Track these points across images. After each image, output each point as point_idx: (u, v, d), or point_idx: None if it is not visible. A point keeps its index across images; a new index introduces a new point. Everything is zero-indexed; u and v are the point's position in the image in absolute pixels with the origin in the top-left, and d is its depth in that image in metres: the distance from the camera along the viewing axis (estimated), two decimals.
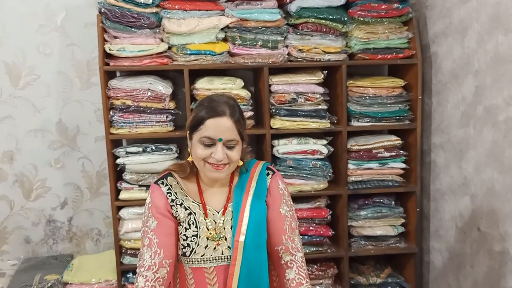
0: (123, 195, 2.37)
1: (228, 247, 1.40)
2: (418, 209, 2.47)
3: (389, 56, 2.38)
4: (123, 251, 2.42)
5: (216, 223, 1.42)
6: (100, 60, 2.27)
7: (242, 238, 1.38)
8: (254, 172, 1.47)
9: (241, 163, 1.44)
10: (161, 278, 1.35)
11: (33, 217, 2.70)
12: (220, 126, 1.33)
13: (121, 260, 2.41)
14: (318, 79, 2.37)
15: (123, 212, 2.37)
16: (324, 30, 2.33)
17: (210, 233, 1.41)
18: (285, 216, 1.44)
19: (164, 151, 2.38)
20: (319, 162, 2.42)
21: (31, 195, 2.68)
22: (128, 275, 2.43)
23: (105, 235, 2.78)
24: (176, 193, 1.43)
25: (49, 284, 2.37)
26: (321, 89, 2.38)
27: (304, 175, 2.41)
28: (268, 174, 1.48)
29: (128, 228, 2.36)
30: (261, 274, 1.42)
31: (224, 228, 1.42)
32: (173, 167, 1.49)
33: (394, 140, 2.45)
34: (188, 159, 1.44)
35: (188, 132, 1.41)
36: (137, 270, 1.38)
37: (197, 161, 1.38)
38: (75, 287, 2.41)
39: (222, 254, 1.41)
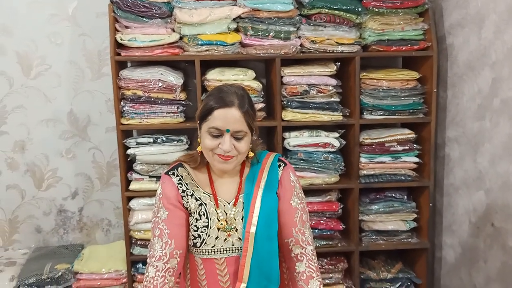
0: (133, 186, 2.36)
1: (239, 238, 1.40)
2: (430, 204, 2.43)
3: (404, 48, 2.34)
4: (133, 241, 2.43)
5: (227, 214, 1.41)
6: (111, 50, 2.26)
7: (253, 229, 1.37)
8: (266, 163, 1.46)
9: (252, 154, 1.43)
10: (171, 269, 1.35)
11: (44, 207, 2.71)
12: (228, 117, 1.32)
13: (131, 250, 2.41)
14: (331, 71, 2.34)
15: (133, 203, 2.37)
16: (338, 21, 2.29)
17: (221, 224, 1.40)
18: (295, 208, 1.43)
19: (175, 142, 2.37)
20: (330, 155, 2.39)
21: (42, 185, 2.69)
22: (138, 266, 2.44)
23: (115, 226, 2.79)
24: (187, 183, 1.43)
25: (60, 273, 2.39)
26: (333, 81, 2.35)
27: (315, 168, 2.39)
28: (279, 166, 1.46)
29: (138, 218, 2.36)
30: (272, 265, 1.41)
31: (235, 219, 1.41)
32: (183, 157, 1.49)
33: (408, 133, 2.41)
34: (197, 149, 1.43)
35: (198, 122, 1.40)
36: (148, 260, 1.37)
37: (205, 152, 1.38)
38: (85, 276, 2.42)
39: (233, 245, 1.40)
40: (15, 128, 2.62)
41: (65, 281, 2.40)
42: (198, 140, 1.41)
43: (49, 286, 2.37)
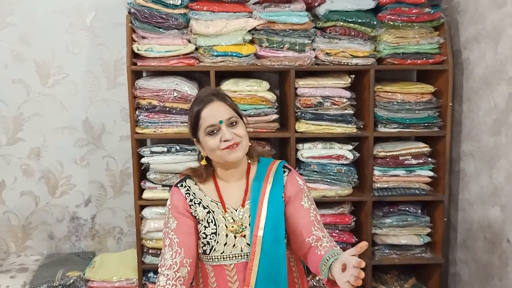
0: (146, 195, 2.38)
1: (247, 244, 1.41)
2: (445, 219, 2.40)
3: (419, 62, 2.34)
4: (145, 250, 2.43)
5: (234, 220, 1.43)
6: (128, 60, 2.29)
7: (260, 233, 1.39)
8: (271, 169, 1.49)
9: (250, 143, 1.46)
10: (182, 278, 1.36)
11: (57, 214, 2.73)
12: (214, 111, 1.39)
13: (143, 259, 2.42)
14: (345, 83, 2.34)
15: (146, 212, 2.38)
16: (353, 33, 2.30)
17: (232, 227, 1.42)
18: (308, 209, 1.45)
19: (188, 151, 2.38)
20: (344, 168, 2.39)
21: (56, 192, 2.72)
22: (149, 275, 2.44)
23: (126, 234, 2.80)
24: (194, 193, 1.46)
25: (71, 281, 2.40)
26: (348, 93, 2.35)
27: (329, 180, 2.38)
28: (284, 171, 1.50)
29: (150, 227, 2.37)
30: (280, 268, 1.42)
31: (243, 224, 1.43)
32: (188, 171, 1.52)
33: (422, 147, 2.40)
34: (202, 162, 1.47)
35: (194, 138, 1.46)
36: (159, 270, 1.40)
37: (213, 154, 1.41)
38: (96, 284, 2.43)
39: (242, 251, 1.41)
40: (31, 135, 2.66)
41: None
42: (202, 154, 1.45)
43: None
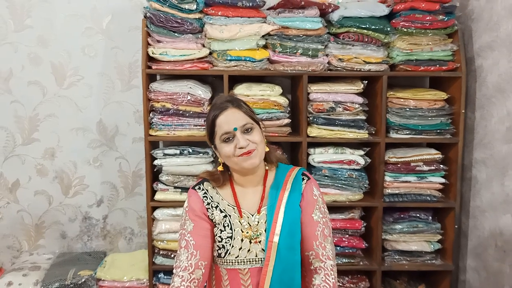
0: (158, 196, 2.40)
1: (262, 249, 1.42)
2: (456, 226, 2.40)
3: (432, 68, 2.34)
4: (156, 251, 2.45)
5: (250, 225, 1.44)
6: (143, 63, 2.32)
7: (276, 238, 1.40)
8: (290, 175, 1.49)
9: (267, 149, 1.47)
10: (196, 279, 1.38)
11: (70, 213, 2.77)
12: (229, 118, 1.40)
13: (154, 260, 2.44)
14: (357, 89, 2.35)
15: (158, 213, 2.41)
16: (366, 40, 2.31)
17: (247, 232, 1.43)
18: (317, 222, 1.45)
19: (201, 154, 2.40)
20: (355, 173, 2.39)
21: (69, 192, 2.76)
22: (159, 275, 2.46)
23: (137, 235, 2.83)
24: (211, 196, 1.47)
25: (83, 280, 2.43)
26: (360, 99, 2.36)
27: (339, 185, 2.39)
28: (303, 179, 1.49)
29: (161, 228, 2.39)
30: (294, 275, 1.43)
31: (258, 230, 1.43)
32: (205, 174, 1.53)
33: (434, 154, 2.40)
34: (218, 168, 1.48)
35: (211, 144, 1.47)
36: (174, 271, 1.41)
37: (229, 161, 1.42)
38: (107, 283, 2.46)
39: (256, 256, 1.42)
40: (46, 135, 2.70)
41: (87, 287, 2.43)
42: (220, 160, 1.46)
43: None
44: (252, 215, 1.45)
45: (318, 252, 1.42)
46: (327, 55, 2.35)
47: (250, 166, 1.41)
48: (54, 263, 2.62)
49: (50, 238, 2.78)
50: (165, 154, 2.40)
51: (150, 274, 2.44)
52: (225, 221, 1.44)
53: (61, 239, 2.79)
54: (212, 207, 1.45)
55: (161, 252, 2.44)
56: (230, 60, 2.32)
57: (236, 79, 2.45)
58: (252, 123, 1.42)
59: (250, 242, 1.43)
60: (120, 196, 2.79)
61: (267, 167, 1.50)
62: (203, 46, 2.36)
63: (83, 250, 2.80)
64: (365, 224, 2.42)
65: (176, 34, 2.31)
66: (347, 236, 2.43)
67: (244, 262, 1.42)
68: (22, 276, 2.46)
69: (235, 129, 1.39)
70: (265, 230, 1.43)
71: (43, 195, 2.75)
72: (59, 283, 2.40)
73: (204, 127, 2.36)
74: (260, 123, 1.46)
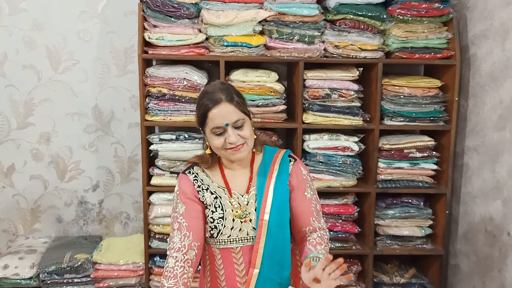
0: (154, 181, 2.42)
1: (253, 228, 1.46)
2: (447, 212, 2.45)
3: (427, 56, 2.36)
4: (152, 235, 2.48)
5: (240, 205, 1.48)
6: (139, 48, 2.31)
7: (266, 217, 1.45)
8: (277, 157, 1.54)
9: (254, 136, 1.48)
10: (190, 260, 1.41)
11: (66, 198, 2.78)
12: (222, 113, 1.39)
13: (149, 243, 2.47)
14: (353, 76, 2.37)
15: (154, 197, 2.43)
16: (362, 27, 2.32)
17: (236, 212, 1.47)
18: (310, 199, 1.52)
19: (197, 140, 2.42)
20: (349, 159, 2.43)
21: (65, 176, 2.76)
22: (155, 259, 2.49)
23: (133, 219, 2.85)
24: (202, 179, 1.50)
25: (79, 263, 2.46)
26: (355, 86, 2.38)
27: (334, 171, 2.42)
28: (290, 160, 1.54)
29: (157, 213, 2.41)
30: (284, 251, 1.48)
31: (247, 210, 1.47)
32: (194, 159, 1.56)
33: (427, 141, 2.43)
34: (206, 151, 1.50)
35: (200, 128, 1.47)
36: (167, 252, 1.44)
37: (217, 151, 1.46)
38: (103, 266, 2.48)
39: (248, 234, 1.47)
40: (42, 120, 2.70)
41: (84, 270, 2.46)
42: (207, 143, 1.48)
43: (68, 274, 2.45)
44: (242, 195, 1.49)
45: (314, 226, 1.51)
46: (323, 42, 2.36)
47: (238, 159, 1.46)
48: (50, 247, 2.64)
49: (46, 222, 2.80)
50: (161, 139, 2.41)
51: (146, 258, 2.47)
52: (216, 202, 1.48)
53: (57, 223, 2.81)
54: (202, 189, 1.48)
55: (157, 236, 2.47)
56: (227, 46, 2.32)
57: (232, 65, 2.45)
58: (244, 118, 1.42)
59: (241, 222, 1.47)
60: (116, 181, 2.80)
61: (253, 150, 1.53)
62: (200, 31, 2.35)
63: (79, 234, 2.82)
64: (358, 210, 2.47)
65: (172, 19, 2.31)
66: (340, 221, 2.47)
67: (236, 241, 1.47)
68: (18, 259, 2.48)
69: (227, 124, 1.39)
70: (254, 210, 1.47)
71: (39, 179, 2.75)
72: (55, 266, 2.42)
73: None
74: (251, 114, 1.47)
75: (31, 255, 2.54)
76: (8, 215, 2.77)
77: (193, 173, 1.51)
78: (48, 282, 2.44)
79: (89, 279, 2.47)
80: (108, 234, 2.84)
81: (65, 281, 2.45)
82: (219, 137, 1.41)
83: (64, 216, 2.80)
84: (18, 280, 2.43)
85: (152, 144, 2.41)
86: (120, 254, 2.53)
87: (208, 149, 1.49)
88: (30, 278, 2.44)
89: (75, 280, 2.46)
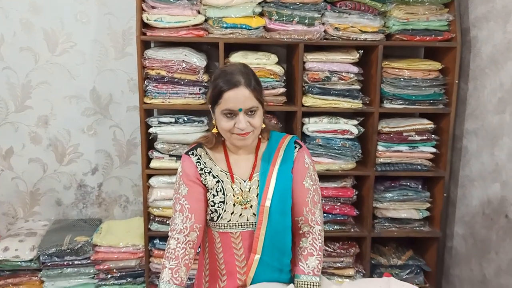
0: (153, 164, 2.42)
1: (254, 214, 1.46)
2: (445, 194, 2.46)
3: (427, 38, 2.35)
4: (151, 218, 2.49)
5: (242, 190, 1.47)
6: (137, 29, 2.29)
7: (268, 203, 1.44)
8: (283, 143, 1.52)
9: (263, 125, 1.47)
10: (191, 241, 1.42)
11: (65, 181, 2.78)
12: (238, 97, 1.36)
13: (149, 226, 2.48)
14: (353, 59, 2.36)
15: (153, 180, 2.43)
16: (363, 8, 2.30)
17: (237, 198, 1.46)
18: (308, 189, 1.49)
19: (196, 123, 2.41)
20: (348, 142, 2.43)
21: (63, 160, 2.76)
22: (155, 241, 2.50)
23: (132, 202, 2.86)
24: (205, 162, 1.49)
25: (79, 245, 2.47)
26: (355, 69, 2.37)
27: (333, 154, 2.42)
28: (295, 147, 1.52)
29: (157, 196, 2.42)
30: (285, 238, 1.48)
31: (248, 197, 1.47)
32: (200, 139, 1.56)
33: (426, 124, 2.43)
34: (212, 131, 1.49)
35: (210, 106, 1.45)
36: (169, 234, 1.45)
37: (223, 133, 1.44)
38: (103, 249, 2.49)
39: (248, 220, 1.47)
40: (39, 103, 2.68)
41: (84, 252, 2.48)
42: (213, 122, 1.46)
43: (69, 256, 2.46)
44: (244, 181, 1.48)
45: (307, 217, 1.48)
46: (323, 24, 2.34)
47: (242, 145, 1.45)
48: (50, 229, 2.65)
49: (46, 205, 2.80)
50: (160, 122, 2.40)
51: (146, 240, 2.48)
52: (218, 186, 1.47)
53: (56, 206, 2.81)
54: (205, 172, 1.48)
55: (156, 219, 2.48)
56: (226, 28, 2.30)
57: (232, 47, 2.43)
58: (258, 106, 1.40)
59: (241, 208, 1.46)
60: (115, 165, 2.80)
61: (260, 136, 1.51)
62: (199, 12, 2.33)
63: (79, 217, 2.83)
64: (356, 193, 2.48)
65: (171, 0, 2.28)
66: (339, 204, 2.48)
67: (235, 226, 1.47)
68: (19, 242, 2.49)
69: (240, 109, 1.37)
70: (256, 196, 1.46)
71: (38, 162, 2.75)
72: (55, 248, 2.44)
73: (199, 96, 2.37)
74: (264, 103, 1.45)
75: (31, 237, 2.55)
76: (7, 198, 2.77)
77: (196, 155, 1.50)
78: (49, 264, 2.45)
79: (89, 261, 2.49)
80: (107, 217, 2.85)
81: (65, 263, 2.46)
82: (228, 119, 1.39)
83: (63, 199, 2.80)
84: (19, 262, 2.45)
85: (151, 127, 2.40)
86: (120, 237, 2.55)
87: (215, 128, 1.47)
88: (31, 260, 2.45)
89: (76, 262, 2.48)
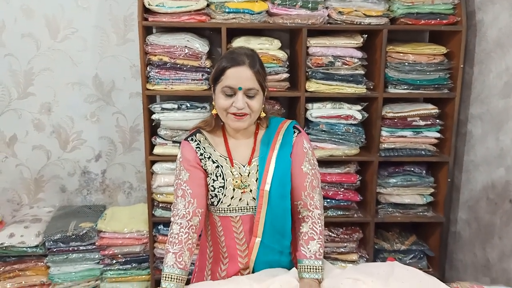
0: (157, 150, 2.42)
1: (253, 198, 1.47)
2: (449, 180, 2.46)
3: (432, 22, 2.31)
4: (155, 204, 2.50)
5: (241, 175, 1.48)
6: (139, 15, 2.27)
7: (267, 187, 1.45)
8: (282, 127, 1.52)
9: (263, 114, 1.49)
10: (194, 226, 1.44)
11: (68, 168, 2.79)
12: (239, 75, 1.38)
13: (153, 212, 2.49)
14: (357, 43, 2.33)
15: (156, 167, 2.43)
16: None
17: (236, 182, 1.47)
18: (306, 173, 1.49)
19: (198, 109, 2.41)
20: (352, 128, 2.42)
21: (67, 147, 2.76)
22: (159, 227, 2.52)
23: (136, 189, 2.87)
24: (204, 147, 1.50)
25: (84, 231, 2.49)
26: (359, 54, 2.34)
27: (336, 140, 2.41)
28: (294, 132, 1.52)
29: (160, 182, 2.42)
30: (285, 221, 1.50)
31: (247, 181, 1.48)
32: (200, 124, 1.56)
33: (431, 108, 2.42)
34: (212, 112, 1.49)
35: (212, 84, 1.46)
36: (172, 219, 1.46)
37: (220, 112, 1.44)
38: (108, 235, 2.51)
39: (247, 204, 1.48)
40: (42, 90, 2.67)
41: (89, 238, 2.50)
42: (213, 103, 1.47)
43: (73, 242, 2.48)
44: (244, 166, 1.49)
45: (306, 202, 1.49)
46: (327, 8, 2.31)
47: (236, 128, 1.45)
48: (54, 216, 2.67)
49: (50, 192, 2.82)
50: (163, 109, 2.39)
51: (150, 226, 2.50)
52: (217, 171, 1.48)
53: (60, 193, 2.83)
54: (204, 157, 1.49)
55: (160, 205, 2.49)
56: (228, 13, 2.27)
57: (234, 33, 2.41)
58: (258, 89, 1.41)
59: (241, 192, 1.47)
60: (118, 151, 2.80)
61: (258, 121, 1.52)
62: None
63: (83, 204, 2.84)
64: (360, 178, 2.47)
65: None
66: (343, 189, 2.48)
67: (235, 210, 1.48)
68: (24, 228, 2.51)
69: (240, 88, 1.38)
70: (255, 180, 1.47)
71: (41, 149, 2.75)
72: (60, 234, 2.46)
73: (202, 82, 2.36)
74: (266, 90, 1.46)
75: (36, 224, 2.57)
76: (12, 185, 2.78)
77: (195, 141, 1.50)
78: (54, 250, 2.47)
79: (94, 247, 2.51)
80: (111, 203, 2.86)
81: (70, 248, 2.48)
82: (227, 97, 1.40)
83: (67, 185, 2.82)
84: (24, 248, 2.47)
85: (154, 113, 2.40)
86: (124, 223, 2.56)
87: (215, 109, 1.47)
88: (36, 246, 2.47)
89: (81, 248, 2.50)
